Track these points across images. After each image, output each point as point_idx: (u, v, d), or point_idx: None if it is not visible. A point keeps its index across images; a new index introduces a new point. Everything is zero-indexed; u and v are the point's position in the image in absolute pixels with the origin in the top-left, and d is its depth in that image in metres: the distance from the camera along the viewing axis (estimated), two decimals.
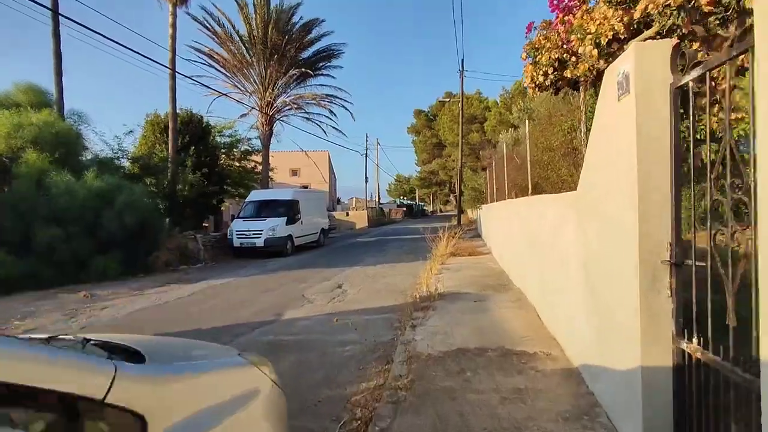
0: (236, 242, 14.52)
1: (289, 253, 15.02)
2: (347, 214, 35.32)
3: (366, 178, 38.45)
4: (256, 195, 16.56)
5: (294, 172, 42.35)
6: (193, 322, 6.19)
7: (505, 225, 8.45)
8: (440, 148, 52.61)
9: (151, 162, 16.13)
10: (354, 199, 53.71)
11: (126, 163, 16.39)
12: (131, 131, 15.41)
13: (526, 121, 10.01)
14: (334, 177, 51.13)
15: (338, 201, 74.84)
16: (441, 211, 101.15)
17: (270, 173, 30.05)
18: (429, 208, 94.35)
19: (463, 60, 21.78)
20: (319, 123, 23.65)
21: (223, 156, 24.56)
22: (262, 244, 14.30)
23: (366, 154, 37.74)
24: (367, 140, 38.07)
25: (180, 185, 18.10)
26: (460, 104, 22.04)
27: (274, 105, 22.14)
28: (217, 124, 24.62)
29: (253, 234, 14.41)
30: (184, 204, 17.85)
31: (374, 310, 6.39)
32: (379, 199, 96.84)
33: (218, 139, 25.47)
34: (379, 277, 9.63)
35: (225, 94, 20.77)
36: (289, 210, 15.57)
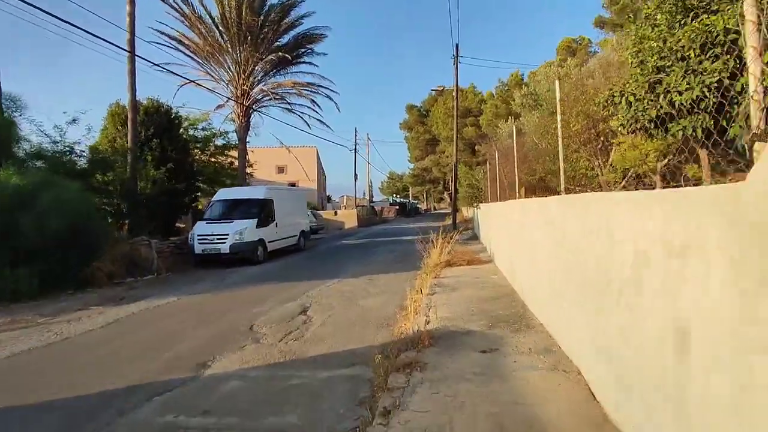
0: (198, 248, 12.55)
1: (260, 260, 13.08)
2: (335, 214, 33.38)
3: (355, 174, 36.53)
4: (224, 194, 14.60)
5: (280, 170, 40.31)
6: (69, 381, 4.26)
7: (515, 231, 6.61)
8: (433, 144, 50.77)
9: (101, 156, 14.07)
10: (345, 197, 51.73)
11: (75, 158, 14.33)
12: (75, 120, 13.34)
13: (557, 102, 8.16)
14: (324, 174, 49.11)
15: (329, 199, 72.79)
16: (435, 209, 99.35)
17: (252, 170, 28.08)
18: (422, 206, 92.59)
19: (457, 45, 19.94)
20: (301, 114, 21.69)
21: (197, 151, 22.59)
22: (228, 251, 12.35)
23: (355, 149, 35.83)
24: (356, 135, 36.16)
25: (142, 182, 16.15)
26: (454, 93, 20.17)
27: (251, 94, 20.14)
28: (189, 115, 22.65)
29: (218, 239, 12.45)
30: (147, 204, 15.87)
31: (338, 360, 4.50)
32: (371, 197, 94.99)
33: (192, 132, 23.51)
34: (357, 297, 7.74)
35: (194, 81, 18.73)
36: (260, 210, 13.62)
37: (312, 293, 8.21)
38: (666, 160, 5.94)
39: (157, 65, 18.00)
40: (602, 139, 7.62)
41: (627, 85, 5.44)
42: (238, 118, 20.22)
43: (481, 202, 14.55)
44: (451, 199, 60.54)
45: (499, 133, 13.93)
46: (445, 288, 7.26)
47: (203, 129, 22.70)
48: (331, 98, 21.30)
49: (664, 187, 5.81)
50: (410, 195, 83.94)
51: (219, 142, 24.37)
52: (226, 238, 12.40)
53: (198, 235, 12.67)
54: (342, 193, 61.51)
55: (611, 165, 6.51)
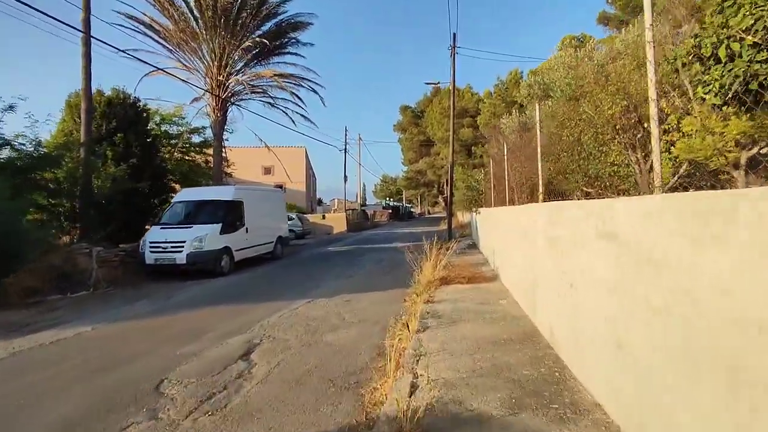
0: (149, 258, 10.65)
1: (225, 272, 11.20)
2: (323, 217, 31.49)
3: (345, 176, 34.62)
4: (186, 194, 12.71)
5: (267, 170, 38.39)
6: None
7: (537, 246, 4.83)
8: (428, 146, 49.13)
9: (43, 150, 12.13)
10: (336, 200, 49.87)
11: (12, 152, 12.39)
12: (11, 107, 11.38)
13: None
14: (313, 175, 47.22)
15: (320, 202, 70.86)
16: (429, 212, 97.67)
17: (232, 169, 26.15)
18: (417, 210, 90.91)
19: (455, 34, 18.21)
20: (284, 109, 19.84)
21: (169, 148, 20.67)
22: (184, 261, 10.46)
23: (345, 149, 33.98)
24: (346, 134, 34.31)
25: (98, 180, 14.27)
26: (450, 88, 18.45)
27: (228, 86, 18.27)
28: (160, 109, 20.75)
29: (172, 247, 10.56)
30: (103, 204, 14.00)
31: None
32: (364, 200, 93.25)
33: (166, 128, 21.60)
34: (325, 329, 5.90)
35: (162, 70, 16.82)
36: (227, 214, 11.75)
37: (270, 321, 6.36)
38: (756, 148, 4.19)
39: (122, 51, 16.07)
40: (645, 125, 5.87)
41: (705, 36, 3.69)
42: (213, 112, 18.34)
43: (481, 206, 12.78)
44: (446, 203, 59.05)
45: (502, 127, 12.25)
46: (441, 320, 5.45)
47: (176, 124, 20.79)
48: (315, 91, 19.50)
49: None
50: (404, 199, 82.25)
51: (197, 139, 22.53)
52: (182, 246, 10.51)
53: (150, 243, 10.77)
54: (334, 197, 59.66)
55: (673, 158, 4.73)
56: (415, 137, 50.16)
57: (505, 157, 7.98)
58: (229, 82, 17.91)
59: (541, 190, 5.25)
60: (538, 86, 11.79)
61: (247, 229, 12.51)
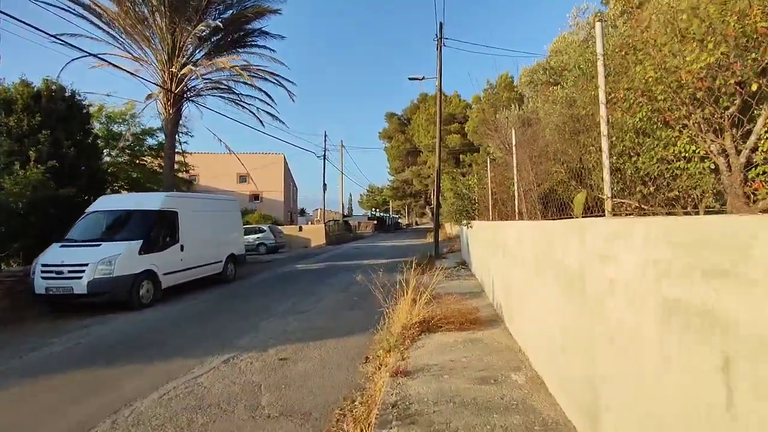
0: (39, 286, 8.06)
1: (145, 303, 8.65)
2: (300, 229, 28.93)
3: (324, 184, 32.12)
4: (105, 203, 10.11)
5: (242, 179, 35.75)
6: None
7: (599, 293, 2.49)
8: (414, 155, 47.03)
9: None
10: (318, 210, 47.30)
11: None
12: None
13: None
14: (294, 184, 44.65)
15: (302, 212, 68.12)
16: (417, 224, 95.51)
17: (190, 175, 23.61)
18: (404, 221, 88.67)
19: (441, 23, 16.08)
20: (248, 105, 17.39)
21: (116, 150, 18.08)
22: (84, 290, 7.89)
23: (324, 155, 31.56)
24: (325, 139, 31.90)
25: (11, 185, 11.71)
26: (437, 83, 16.25)
27: (182, 79, 15.79)
28: (105, 105, 18.18)
29: (70, 271, 8.00)
30: (20, 215, 11.51)
31: None
32: (350, 210, 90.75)
33: (115, 127, 19.01)
34: None
35: (95, 56, 14.28)
36: (153, 227, 9.23)
37: (137, 409, 3.87)
38: None
39: (53, 36, 13.51)
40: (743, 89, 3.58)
41: None
42: (165, 108, 15.83)
43: (473, 219, 10.45)
44: (433, 215, 56.92)
45: (500, 122, 10.03)
46: (419, 422, 3.02)
47: (127, 123, 18.19)
48: (281, 85, 17.07)
49: None
50: (391, 209, 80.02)
51: (153, 141, 19.94)
52: (82, 271, 7.95)
53: (42, 266, 8.18)
54: (319, 207, 56.99)
55: None
56: (401, 145, 48.04)
57: (513, 153, 5.63)
58: (183, 74, 15.44)
59: (607, 195, 2.92)
60: (543, 71, 9.64)
61: (182, 246, 9.97)
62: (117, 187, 17.62)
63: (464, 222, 10.70)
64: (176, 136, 17.29)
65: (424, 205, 67.21)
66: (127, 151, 18.63)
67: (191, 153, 35.78)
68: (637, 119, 4.63)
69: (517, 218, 5.62)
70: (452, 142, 34.64)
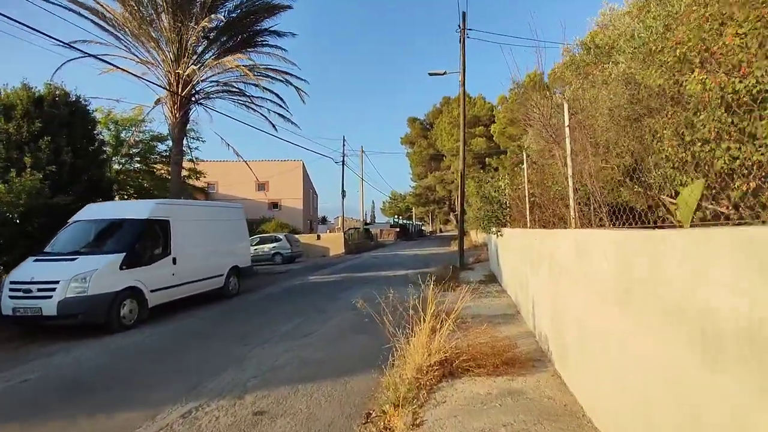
0: (6, 306, 7.10)
1: (127, 324, 7.59)
2: (318, 238, 27.88)
3: (343, 191, 31.04)
4: (90, 211, 9.11)
5: (260, 187, 35.11)
6: None
7: None
8: (437, 160, 45.61)
9: None
10: (339, 218, 46.35)
11: None
12: None
13: None
14: (314, 192, 43.86)
15: (323, 220, 67.43)
16: (441, 231, 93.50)
17: (202, 182, 22.90)
18: (427, 229, 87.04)
19: (464, 13, 14.75)
20: (258, 108, 16.45)
21: (120, 157, 17.42)
22: (54, 312, 6.87)
23: (343, 161, 30.49)
24: (344, 144, 30.86)
25: (2, 192, 11.07)
26: (460, 78, 14.88)
27: (189, 81, 14.98)
28: (113, 111, 17.58)
29: (40, 290, 7.00)
30: (15, 224, 10.88)
31: None
32: (373, 218, 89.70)
33: (126, 134, 18.41)
34: None
35: (94, 56, 13.56)
36: (139, 239, 8.19)
37: None
38: None
39: (58, 40, 12.89)
40: None
41: None
42: (172, 112, 15.03)
43: (504, 225, 9.01)
44: (458, 222, 55.19)
45: (540, 105, 8.61)
46: None
47: (138, 130, 17.54)
48: (294, 85, 16.05)
49: None
50: (413, 216, 78.57)
51: (163, 147, 19.27)
52: (53, 289, 6.94)
53: (11, 284, 7.21)
54: (340, 215, 56.06)
55: None
56: (423, 150, 46.72)
57: (567, 137, 4.23)
58: (189, 75, 14.61)
59: None
60: (587, 50, 8.17)
61: (174, 259, 8.90)
62: (126, 196, 16.97)
63: (493, 230, 9.27)
64: (184, 141, 16.52)
65: (448, 212, 65.48)
66: (137, 159, 18.00)
67: (209, 161, 35.50)
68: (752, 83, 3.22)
69: (573, 225, 4.21)
70: (477, 146, 33.10)
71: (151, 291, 8.22)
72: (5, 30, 22.83)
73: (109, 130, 17.33)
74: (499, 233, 9.05)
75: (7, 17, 8.49)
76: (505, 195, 8.64)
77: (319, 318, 8.19)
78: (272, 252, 22.87)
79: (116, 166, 18.32)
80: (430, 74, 15.26)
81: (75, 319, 7.01)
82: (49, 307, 6.86)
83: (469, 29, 14.97)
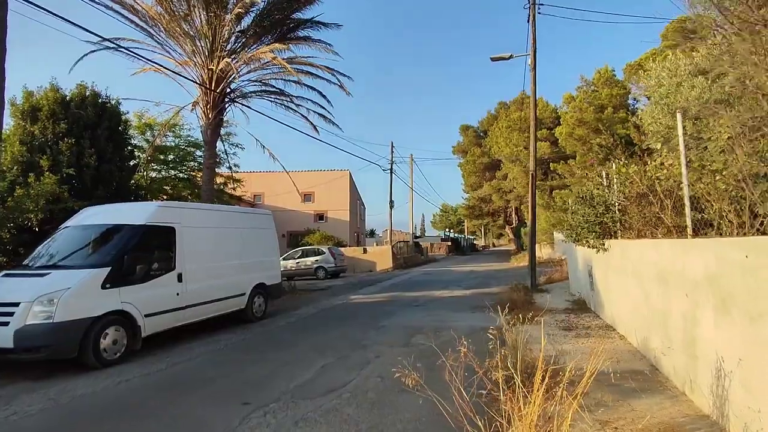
0: None
1: (110, 359, 5.87)
2: (364, 251, 25.97)
3: (391, 201, 29.06)
4: (85, 216, 7.52)
5: (307, 197, 33.91)
6: None
7: None
8: (492, 169, 42.63)
9: None
10: (387, 231, 44.40)
11: None
12: None
13: None
14: (361, 203, 42.26)
15: (371, 234, 65.84)
16: (494, 245, 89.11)
17: (242, 191, 21.69)
18: (480, 243, 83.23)
19: None
20: (295, 108, 14.85)
21: (144, 159, 16.35)
22: (10, 344, 5.24)
23: (391, 169, 28.56)
24: (392, 151, 28.93)
25: (23, 199, 10.18)
26: (530, 61, 12.45)
27: (224, 77, 13.67)
28: (145, 113, 16.68)
29: None
30: (37, 229, 10.02)
31: None
32: (423, 231, 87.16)
33: (162, 140, 17.49)
34: None
35: (120, 47, 12.46)
36: (129, 249, 6.47)
37: None
38: None
39: (90, 32, 12.00)
40: None
41: None
42: (204, 113, 13.77)
43: (611, 236, 6.48)
44: (514, 235, 51.54)
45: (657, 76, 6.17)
46: None
47: (161, 129, 16.38)
48: (336, 78, 14.28)
49: None
50: (465, 230, 75.26)
51: (200, 154, 18.18)
52: (11, 314, 5.33)
53: None
54: (389, 228, 54.04)
55: None
56: (477, 159, 43.93)
57: None
58: (222, 69, 13.27)
59: None
60: None
61: (180, 275, 7.17)
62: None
63: (590, 241, 6.77)
64: (219, 145, 15.24)
65: (503, 225, 61.67)
66: (172, 165, 16.98)
67: (255, 172, 34.88)
68: None
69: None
70: (540, 151, 29.98)
71: (147, 316, 6.48)
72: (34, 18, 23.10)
73: (144, 135, 16.41)
74: (600, 247, 6.54)
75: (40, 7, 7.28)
76: (612, 193, 6.16)
77: (356, 359, 6.07)
78: (315, 266, 21.19)
79: (154, 174, 17.46)
80: (493, 59, 12.96)
81: (37, 353, 5.35)
82: (4, 338, 5.24)
83: (540, 3, 12.59)
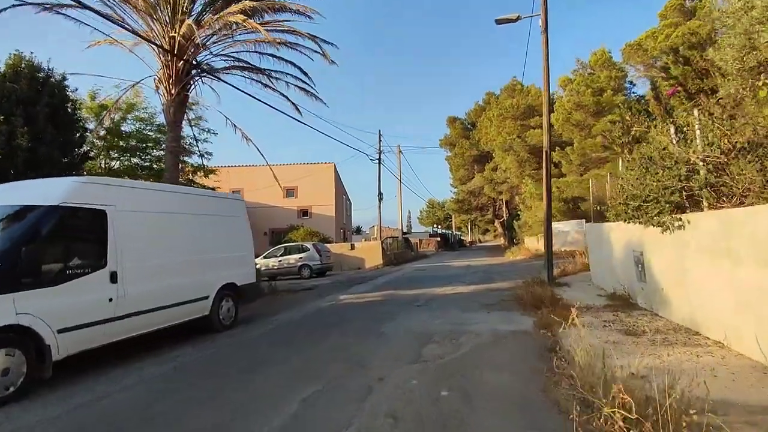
0: None
1: None
2: (352, 248, 24.20)
3: (380, 194, 27.29)
4: None
5: (289, 192, 31.97)
6: None
7: None
8: (482, 162, 41.23)
9: None
10: (374, 227, 42.69)
11: None
12: None
13: None
14: (347, 198, 40.42)
15: (358, 230, 64.03)
16: (480, 241, 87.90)
17: (216, 181, 19.74)
18: (467, 238, 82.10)
19: None
20: (272, 84, 13.01)
21: (123, 152, 14.40)
22: None
23: (379, 159, 26.80)
24: (380, 140, 27.20)
25: None
26: (541, 18, 10.84)
27: (183, 44, 11.74)
28: (97, 91, 14.65)
29: None
30: None
31: None
32: (409, 227, 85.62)
33: (127, 126, 15.47)
34: None
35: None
36: (29, 240, 4.62)
37: None
38: None
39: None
40: None
41: None
42: (167, 89, 11.83)
43: (692, 208, 4.87)
44: (504, 228, 50.14)
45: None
46: None
47: (111, 109, 14.29)
48: (319, 47, 12.48)
49: None
50: (453, 225, 73.96)
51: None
52: None
53: None
54: (375, 224, 52.19)
55: None
56: (466, 152, 42.55)
57: None
58: (185, 35, 11.35)
59: None
60: None
61: (114, 275, 5.34)
62: None
63: (658, 218, 5.15)
64: (185, 127, 13.33)
65: (491, 220, 60.38)
66: (132, 153, 14.96)
67: (234, 166, 32.75)
68: None
69: None
70: (533, 139, 28.61)
71: (61, 331, 4.65)
72: None
73: (100, 117, 14.36)
74: (676, 224, 4.93)
75: None
76: (695, 150, 4.55)
77: (353, 384, 4.36)
78: (299, 264, 19.38)
79: (116, 164, 15.43)
80: (498, 21, 11.30)
81: None
82: None
83: None
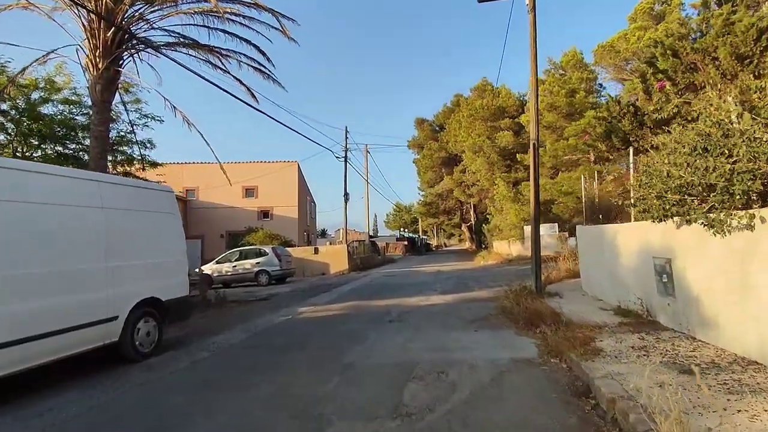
0: None
1: None
2: (315, 252, 22.48)
3: (346, 194, 25.67)
4: None
5: (249, 192, 29.87)
6: None
7: None
8: (450, 164, 40.48)
9: None
10: (340, 230, 40.93)
11: None
12: None
13: None
14: (311, 199, 38.52)
15: (323, 233, 61.94)
16: (446, 245, 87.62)
17: (188, 188, 17.64)
18: (433, 242, 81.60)
19: None
20: (221, 65, 11.26)
21: (33, 135, 12.20)
22: None
23: (346, 157, 25.23)
24: (346, 137, 25.65)
25: None
26: (530, 7, 9.71)
27: (111, 9, 9.84)
28: (5, 63, 12.43)
29: None
30: None
31: None
32: (376, 230, 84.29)
33: (50, 108, 13.21)
34: None
35: None
36: None
37: None
38: None
39: None
40: None
41: None
42: (91, 61, 9.88)
43: (730, 206, 3.64)
44: (471, 232, 49.52)
45: None
46: None
47: (14, 80, 12.10)
48: (280, 25, 10.87)
49: None
50: (420, 229, 73.16)
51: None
52: None
53: None
54: (341, 228, 50.37)
55: None
56: (434, 154, 41.64)
57: None
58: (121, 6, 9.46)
59: None
60: None
61: None
62: None
63: (719, 216, 3.91)
64: (120, 111, 11.36)
65: (458, 224, 59.94)
66: (55, 140, 12.74)
67: (190, 163, 30.28)
68: None
69: None
70: (503, 141, 27.89)
71: None
72: None
73: (13, 99, 12.07)
74: (744, 222, 3.71)
75: None
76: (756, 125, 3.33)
77: None
78: (256, 270, 17.53)
79: (35, 152, 13.13)
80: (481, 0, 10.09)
81: None
82: None
83: None
